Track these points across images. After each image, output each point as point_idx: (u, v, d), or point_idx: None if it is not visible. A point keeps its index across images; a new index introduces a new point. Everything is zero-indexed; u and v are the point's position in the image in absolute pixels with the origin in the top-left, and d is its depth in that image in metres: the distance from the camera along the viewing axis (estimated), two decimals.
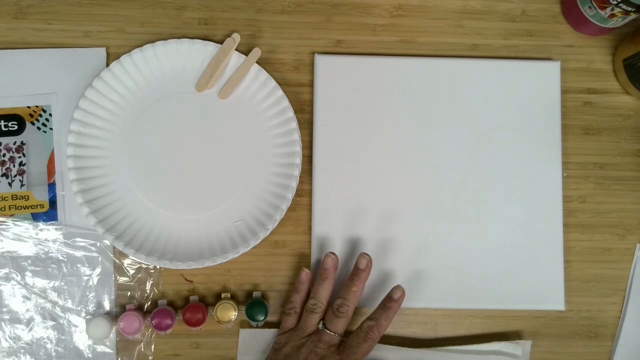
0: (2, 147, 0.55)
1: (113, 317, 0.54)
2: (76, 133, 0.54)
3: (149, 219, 0.55)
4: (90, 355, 0.54)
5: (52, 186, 0.56)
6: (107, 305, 0.55)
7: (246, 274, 0.56)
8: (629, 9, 0.52)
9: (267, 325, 0.55)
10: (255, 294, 0.55)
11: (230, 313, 0.53)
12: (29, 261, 0.55)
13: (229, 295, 0.55)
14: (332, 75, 0.57)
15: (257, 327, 0.55)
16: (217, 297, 0.55)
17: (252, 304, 0.53)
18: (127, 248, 0.53)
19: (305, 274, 0.53)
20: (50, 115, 0.56)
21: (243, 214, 0.55)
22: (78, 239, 0.55)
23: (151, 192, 0.55)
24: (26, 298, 0.55)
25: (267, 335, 0.55)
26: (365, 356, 0.50)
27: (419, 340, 0.56)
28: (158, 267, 0.55)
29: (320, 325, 0.51)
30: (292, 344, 0.51)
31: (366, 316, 0.51)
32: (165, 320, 0.53)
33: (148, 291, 0.55)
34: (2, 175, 0.55)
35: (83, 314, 0.55)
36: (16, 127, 0.56)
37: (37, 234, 0.55)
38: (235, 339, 0.55)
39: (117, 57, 0.55)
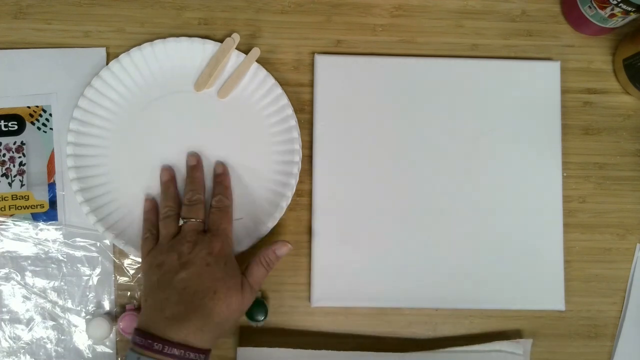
0: (2, 147, 0.55)
1: (113, 317, 0.54)
2: (75, 132, 0.54)
3: None
4: (90, 355, 0.54)
5: (52, 186, 0.56)
6: (107, 305, 0.55)
7: None
8: (629, 9, 0.52)
9: (267, 333, 0.55)
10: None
11: None
12: (29, 261, 0.55)
13: None
14: (332, 75, 0.57)
15: (257, 327, 0.55)
16: None
17: (252, 304, 0.53)
18: (127, 246, 0.53)
19: (149, 202, 0.54)
20: (50, 115, 0.56)
21: (243, 213, 0.55)
22: (78, 239, 0.55)
23: (151, 190, 0.55)
24: (26, 298, 0.55)
25: (266, 354, 0.54)
26: (230, 229, 0.51)
27: (419, 340, 0.56)
28: None
29: (181, 222, 0.51)
30: (161, 254, 0.49)
31: None
32: None
33: None
34: (2, 175, 0.55)
35: (83, 314, 0.55)
36: (16, 127, 0.56)
37: (37, 234, 0.55)
38: (236, 339, 0.55)
39: (117, 57, 0.55)
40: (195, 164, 0.54)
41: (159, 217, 0.53)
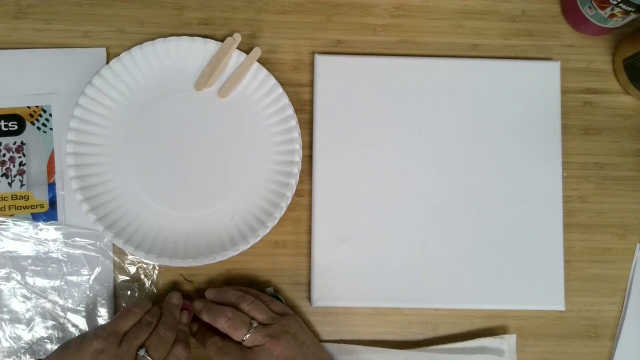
0: (2, 147, 0.56)
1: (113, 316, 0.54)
2: (76, 130, 0.54)
3: (149, 216, 0.55)
4: None
5: (52, 186, 0.56)
6: (107, 305, 0.55)
7: (247, 274, 0.56)
8: (629, 9, 0.52)
9: None
10: (268, 290, 0.55)
11: None
12: (29, 261, 0.55)
13: None
14: (332, 75, 0.57)
15: None
16: None
17: None
18: (126, 245, 0.53)
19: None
20: (50, 115, 0.56)
21: (242, 212, 0.55)
22: (78, 239, 0.55)
23: (151, 189, 0.55)
24: (26, 298, 0.55)
25: None
26: None
27: (419, 340, 0.56)
28: (158, 266, 0.55)
29: (142, 352, 0.47)
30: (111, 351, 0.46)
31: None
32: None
33: (147, 291, 0.55)
34: (2, 175, 0.55)
35: (83, 314, 0.55)
36: (16, 127, 0.56)
37: (37, 233, 0.55)
38: None
39: (118, 56, 0.55)
40: (177, 303, 0.52)
41: (143, 318, 0.49)
